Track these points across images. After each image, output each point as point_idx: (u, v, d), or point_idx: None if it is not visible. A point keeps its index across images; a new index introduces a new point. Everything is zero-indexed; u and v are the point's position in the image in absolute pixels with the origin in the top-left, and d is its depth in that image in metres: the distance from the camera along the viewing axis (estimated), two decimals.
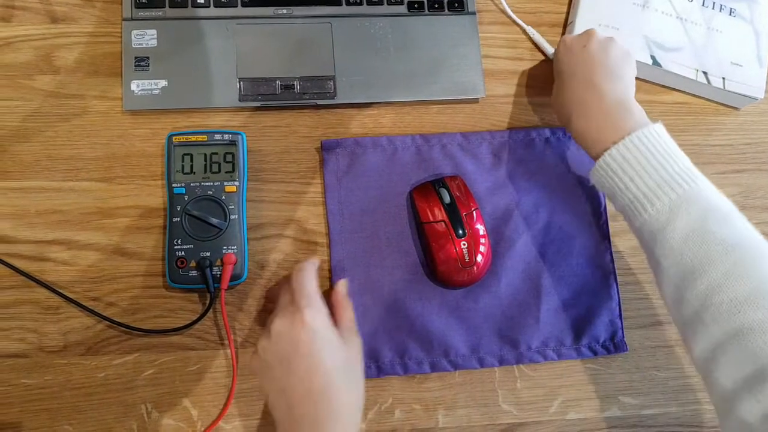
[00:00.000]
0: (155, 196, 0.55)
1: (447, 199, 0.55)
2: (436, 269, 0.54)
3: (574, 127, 0.52)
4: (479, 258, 0.54)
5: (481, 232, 0.55)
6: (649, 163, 0.47)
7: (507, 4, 0.63)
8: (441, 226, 0.54)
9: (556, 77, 0.58)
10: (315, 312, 0.47)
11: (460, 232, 0.54)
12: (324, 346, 0.46)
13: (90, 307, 0.53)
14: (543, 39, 0.63)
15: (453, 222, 0.54)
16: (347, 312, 0.51)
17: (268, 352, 0.47)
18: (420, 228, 0.56)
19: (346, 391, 0.46)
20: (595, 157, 0.50)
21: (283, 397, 0.45)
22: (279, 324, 0.47)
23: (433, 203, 0.55)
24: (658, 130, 0.48)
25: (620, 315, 0.58)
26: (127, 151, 0.56)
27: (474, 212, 0.55)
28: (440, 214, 0.55)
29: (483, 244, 0.55)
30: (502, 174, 0.59)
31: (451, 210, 0.55)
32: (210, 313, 0.54)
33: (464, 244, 0.54)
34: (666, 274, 0.46)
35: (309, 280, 0.49)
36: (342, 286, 0.53)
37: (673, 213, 0.45)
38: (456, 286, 0.56)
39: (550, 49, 0.62)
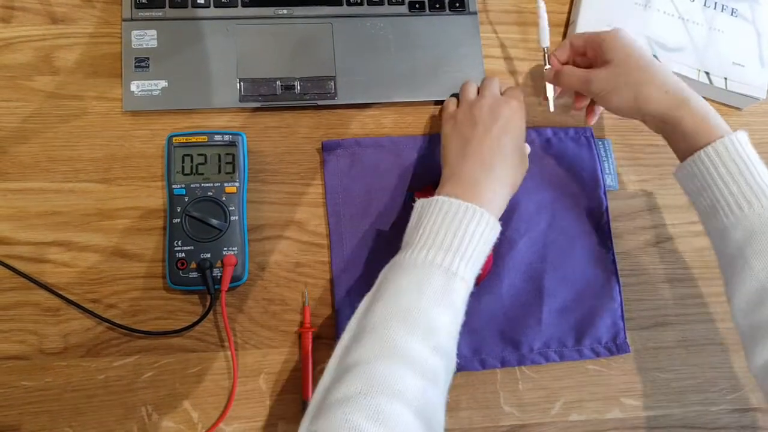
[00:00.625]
0: (155, 197, 0.55)
1: None
2: None
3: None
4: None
5: None
6: (753, 164, 0.47)
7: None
8: None
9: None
10: (520, 99, 0.54)
11: None
12: (521, 126, 0.53)
13: (90, 309, 0.52)
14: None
15: None
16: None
17: (468, 115, 0.53)
18: None
19: (512, 168, 0.51)
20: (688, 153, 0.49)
21: (464, 142, 0.51)
22: (485, 99, 0.53)
23: None
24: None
25: (622, 316, 0.58)
26: (127, 152, 0.56)
27: None
28: None
29: None
30: None
31: None
32: (210, 315, 0.53)
33: None
34: (754, 275, 0.44)
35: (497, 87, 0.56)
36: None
37: None
38: None
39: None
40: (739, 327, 0.47)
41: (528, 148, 0.56)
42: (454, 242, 0.45)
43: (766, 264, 0.44)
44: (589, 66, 0.55)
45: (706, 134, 0.48)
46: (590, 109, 0.59)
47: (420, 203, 0.48)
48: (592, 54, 0.55)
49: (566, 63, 0.57)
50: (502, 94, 0.55)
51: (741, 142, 0.47)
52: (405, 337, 0.40)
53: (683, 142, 0.49)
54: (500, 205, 0.50)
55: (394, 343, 0.40)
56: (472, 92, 0.56)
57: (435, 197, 0.48)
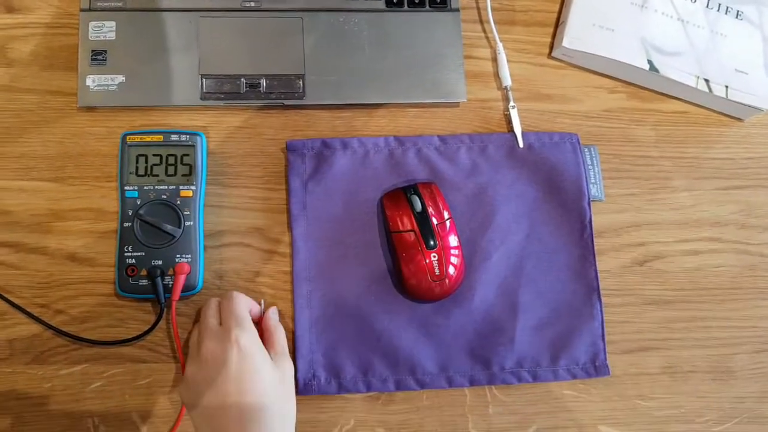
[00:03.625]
0: (109, 199, 0.53)
1: (418, 207, 0.52)
2: (405, 282, 0.51)
3: None
4: (451, 271, 0.51)
5: (454, 244, 0.52)
6: None
7: (494, 1, 0.59)
8: (411, 236, 0.51)
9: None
10: (246, 333, 0.45)
11: (431, 243, 0.51)
12: (255, 369, 0.44)
13: (36, 315, 0.50)
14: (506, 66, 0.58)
15: (423, 232, 0.51)
16: (279, 336, 0.49)
17: (198, 377, 0.44)
18: (389, 237, 0.53)
19: (278, 416, 0.44)
20: None
21: (214, 422, 0.42)
22: (208, 346, 0.45)
23: (404, 211, 0.52)
24: None
25: (603, 336, 0.54)
26: (81, 150, 0.53)
27: (447, 222, 0.52)
28: (410, 223, 0.51)
29: (455, 256, 0.51)
30: (480, 181, 0.56)
31: (422, 219, 0.51)
32: (163, 325, 0.51)
33: (435, 256, 0.51)
34: None
35: (239, 304, 0.47)
36: (274, 312, 0.51)
37: None
38: (425, 301, 0.53)
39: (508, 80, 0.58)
40: None
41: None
42: None
43: None
44: None
45: None
46: None
47: None
48: None
49: None
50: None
51: None
52: None
53: None
54: None
55: None
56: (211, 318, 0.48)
57: None
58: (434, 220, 0.52)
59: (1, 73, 0.54)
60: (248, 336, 0.45)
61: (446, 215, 0.52)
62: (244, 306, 0.48)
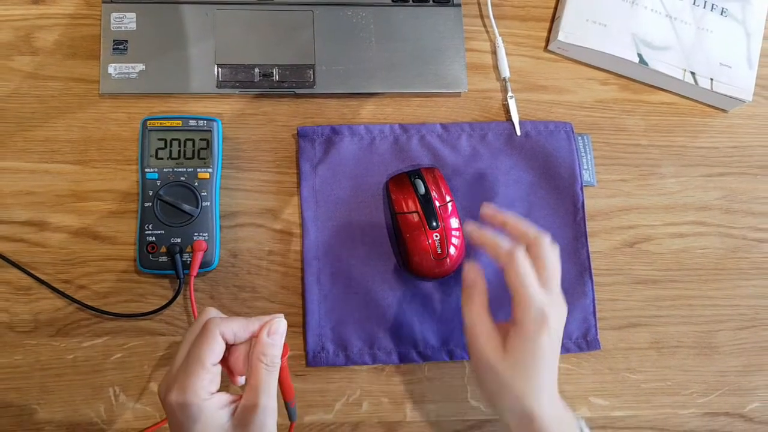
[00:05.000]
0: (129, 181, 0.55)
1: (422, 190, 0.54)
2: (409, 260, 0.54)
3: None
4: (452, 250, 0.54)
5: (455, 225, 0.55)
6: None
7: None
8: (414, 217, 0.54)
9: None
10: (183, 394, 0.37)
11: (434, 224, 0.54)
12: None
13: (61, 290, 0.53)
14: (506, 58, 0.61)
15: (426, 213, 0.54)
16: (263, 379, 0.39)
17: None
18: (394, 218, 0.55)
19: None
20: None
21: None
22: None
23: (408, 194, 0.55)
24: None
25: (594, 313, 0.57)
26: (103, 135, 0.56)
27: (449, 204, 0.55)
28: (414, 205, 0.54)
29: (456, 237, 0.54)
30: (480, 166, 0.59)
31: (426, 201, 0.54)
32: (180, 300, 0.53)
33: (437, 236, 0.54)
34: None
35: (197, 343, 0.38)
36: (282, 324, 0.41)
37: None
38: (428, 278, 0.55)
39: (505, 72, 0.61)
40: None
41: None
42: None
43: None
44: None
45: None
46: None
47: None
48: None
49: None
50: None
51: None
52: None
53: None
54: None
55: None
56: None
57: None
58: (437, 203, 0.54)
59: (26, 61, 0.56)
60: (183, 396, 0.37)
61: (448, 198, 0.55)
62: (206, 347, 0.38)
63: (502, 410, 0.45)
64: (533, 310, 0.44)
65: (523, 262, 0.45)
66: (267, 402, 0.38)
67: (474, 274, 0.48)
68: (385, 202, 0.57)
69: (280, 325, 0.40)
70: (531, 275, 0.45)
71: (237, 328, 0.39)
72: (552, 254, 0.47)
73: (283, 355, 0.40)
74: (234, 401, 0.39)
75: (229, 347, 0.40)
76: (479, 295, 0.47)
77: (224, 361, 0.40)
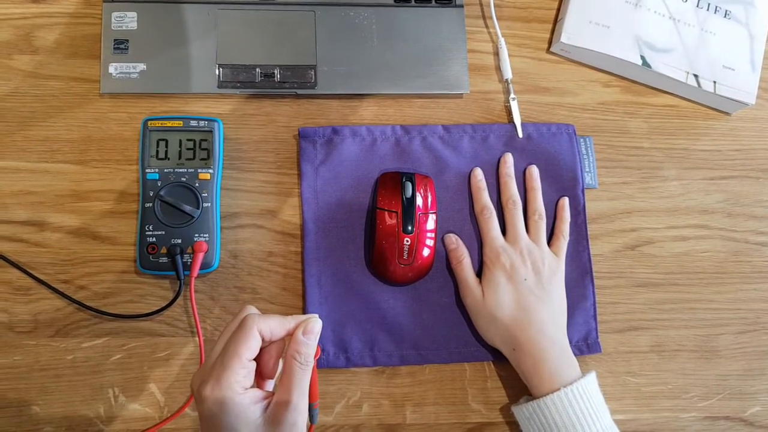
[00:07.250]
0: (129, 181, 0.55)
1: (408, 193, 0.54)
2: (373, 257, 0.54)
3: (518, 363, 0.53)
4: (418, 260, 0.53)
5: (430, 236, 0.54)
6: (592, 413, 0.49)
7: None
8: (393, 217, 0.53)
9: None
10: (219, 387, 0.37)
11: (409, 228, 0.53)
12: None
13: (60, 290, 0.53)
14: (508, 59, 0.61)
15: (405, 216, 0.53)
16: (297, 379, 0.39)
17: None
18: (373, 212, 0.55)
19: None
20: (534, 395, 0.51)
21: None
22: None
23: (394, 192, 0.54)
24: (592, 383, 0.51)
25: (595, 316, 0.57)
26: (104, 135, 0.56)
27: (431, 215, 0.54)
28: (396, 204, 0.54)
29: (428, 248, 0.54)
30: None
31: (408, 204, 0.54)
32: (180, 301, 0.53)
33: (408, 241, 0.53)
34: None
35: (235, 339, 0.39)
36: (317, 324, 0.40)
37: None
38: (386, 280, 0.55)
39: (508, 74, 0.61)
40: None
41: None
42: None
43: None
44: None
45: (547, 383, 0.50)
46: None
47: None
48: None
49: None
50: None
51: (581, 392, 0.49)
52: None
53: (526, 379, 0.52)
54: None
55: None
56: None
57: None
58: (419, 210, 0.54)
59: (26, 60, 0.56)
60: (218, 390, 0.37)
61: (431, 210, 0.54)
62: (243, 342, 0.38)
63: (497, 345, 0.54)
64: (489, 250, 0.55)
65: (491, 218, 0.56)
66: (299, 400, 0.38)
67: (455, 239, 0.56)
68: (372, 193, 0.56)
69: (315, 324, 0.40)
70: (496, 229, 0.56)
71: (274, 326, 0.40)
72: (519, 215, 0.56)
73: (314, 356, 0.40)
74: (266, 398, 0.39)
75: (262, 349, 0.40)
76: (463, 255, 0.55)
77: (256, 360, 0.41)
